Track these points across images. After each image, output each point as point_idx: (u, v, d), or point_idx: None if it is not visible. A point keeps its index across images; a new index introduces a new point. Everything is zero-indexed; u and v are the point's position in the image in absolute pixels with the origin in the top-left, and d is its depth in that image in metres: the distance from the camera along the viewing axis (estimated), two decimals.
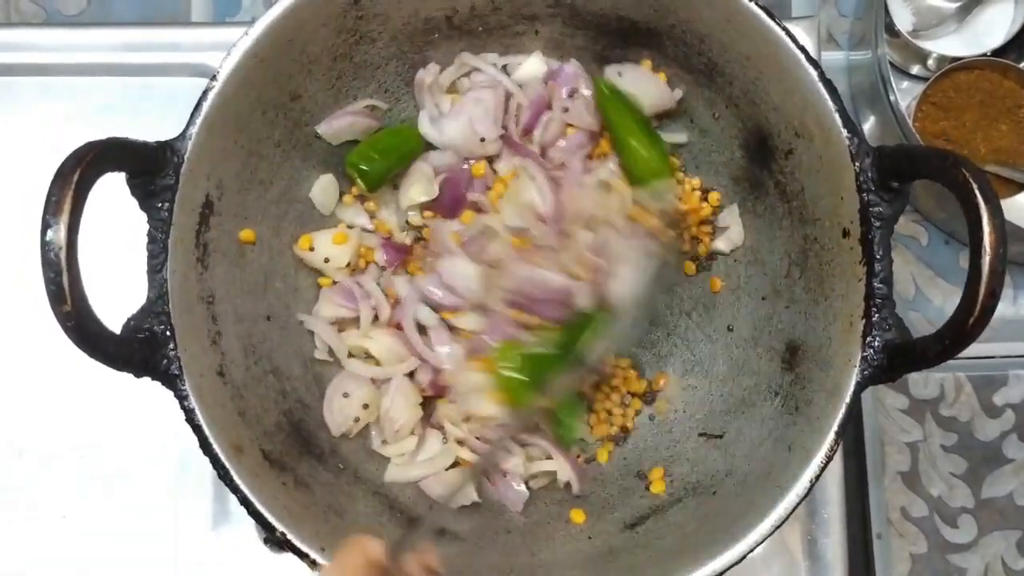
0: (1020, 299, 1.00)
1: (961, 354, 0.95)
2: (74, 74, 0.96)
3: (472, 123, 0.83)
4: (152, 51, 0.96)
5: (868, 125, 1.01)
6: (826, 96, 0.67)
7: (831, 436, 0.65)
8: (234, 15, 1.06)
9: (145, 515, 0.89)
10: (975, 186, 0.53)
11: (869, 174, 0.65)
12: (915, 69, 1.00)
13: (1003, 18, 0.99)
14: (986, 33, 0.99)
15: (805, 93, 0.69)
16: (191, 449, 0.66)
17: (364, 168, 0.82)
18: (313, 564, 0.65)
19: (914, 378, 0.98)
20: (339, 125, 0.83)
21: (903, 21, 0.98)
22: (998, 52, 0.96)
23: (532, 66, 0.86)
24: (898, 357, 0.63)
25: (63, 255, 0.55)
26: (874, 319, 0.64)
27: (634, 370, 0.85)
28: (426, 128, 0.84)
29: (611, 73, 0.83)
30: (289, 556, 0.66)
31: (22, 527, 0.89)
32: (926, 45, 0.97)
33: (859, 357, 0.65)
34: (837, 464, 0.88)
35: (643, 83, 0.82)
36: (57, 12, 1.07)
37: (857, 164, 0.66)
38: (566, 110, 0.83)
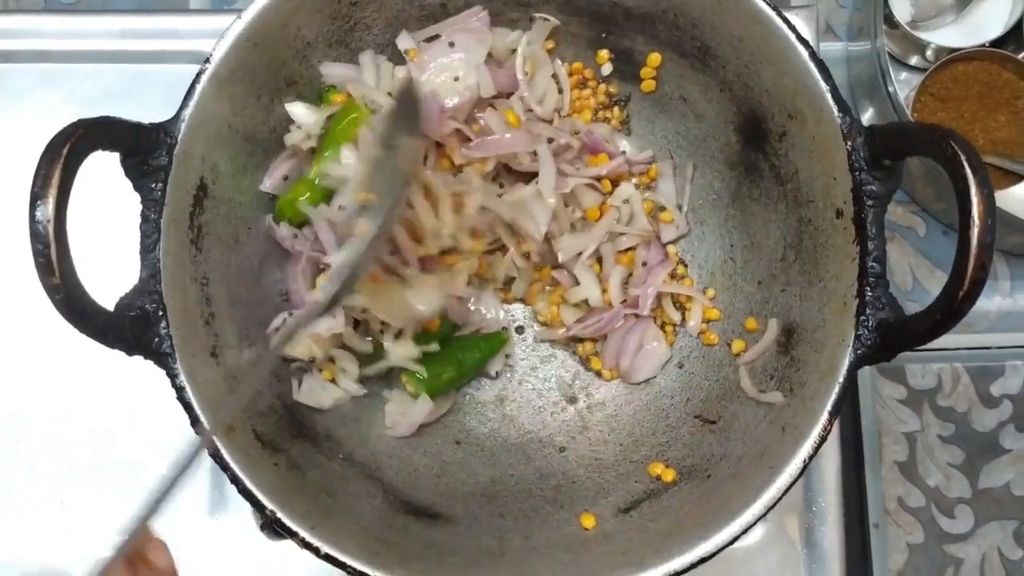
0: (1017, 291, 0.99)
1: (959, 345, 0.98)
2: (73, 61, 0.96)
3: None
4: (151, 38, 0.96)
5: (867, 116, 1.01)
6: (817, 76, 0.67)
7: (824, 416, 0.65)
8: (233, 2, 1.06)
9: (142, 503, 0.89)
10: (963, 157, 0.53)
11: (861, 153, 0.65)
12: (914, 60, 1.00)
13: (1001, 9, 0.99)
14: (985, 24, 0.99)
15: (797, 74, 0.69)
16: (188, 437, 0.66)
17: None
18: (304, 544, 0.65)
19: (912, 368, 0.97)
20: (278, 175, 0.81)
21: (902, 12, 0.98)
22: (996, 43, 0.96)
23: None
24: (891, 335, 0.63)
25: (51, 228, 0.55)
26: (867, 298, 0.64)
27: None
28: None
29: None
30: (286, 543, 0.66)
31: (19, 514, 0.89)
32: (925, 36, 0.97)
33: (852, 336, 0.65)
34: (834, 453, 0.88)
35: None
36: None
37: (849, 143, 0.65)
38: None
